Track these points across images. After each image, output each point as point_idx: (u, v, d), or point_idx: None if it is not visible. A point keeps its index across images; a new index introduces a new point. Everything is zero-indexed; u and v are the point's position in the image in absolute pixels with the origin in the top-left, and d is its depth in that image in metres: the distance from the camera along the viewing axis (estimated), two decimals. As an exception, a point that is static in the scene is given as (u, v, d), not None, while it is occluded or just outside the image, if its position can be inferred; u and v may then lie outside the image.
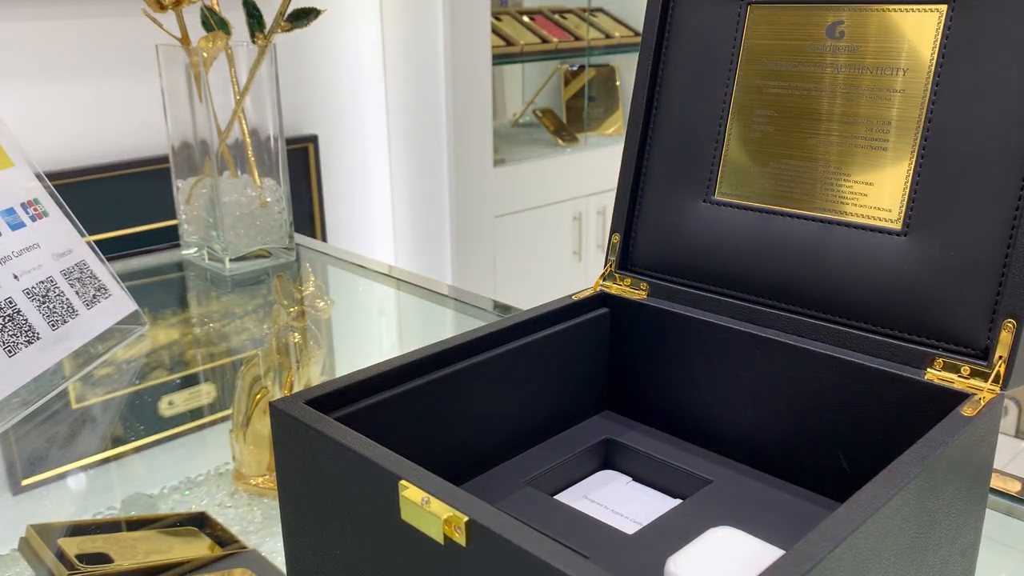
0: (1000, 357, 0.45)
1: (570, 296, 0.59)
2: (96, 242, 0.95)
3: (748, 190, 0.55)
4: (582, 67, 2.54)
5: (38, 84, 1.56)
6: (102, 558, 0.63)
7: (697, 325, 0.55)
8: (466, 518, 0.34)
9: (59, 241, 0.89)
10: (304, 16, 0.81)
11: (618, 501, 0.54)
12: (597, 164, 2.31)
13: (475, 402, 0.52)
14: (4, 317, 0.79)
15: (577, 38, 2.38)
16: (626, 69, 2.57)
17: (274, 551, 0.65)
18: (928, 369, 0.47)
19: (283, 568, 0.52)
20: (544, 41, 2.30)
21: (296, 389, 0.78)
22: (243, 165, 1.11)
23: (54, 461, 0.79)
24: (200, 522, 0.70)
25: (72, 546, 0.65)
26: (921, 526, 0.39)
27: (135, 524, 0.70)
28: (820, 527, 0.33)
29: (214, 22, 0.80)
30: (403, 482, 0.37)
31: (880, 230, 0.50)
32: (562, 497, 0.54)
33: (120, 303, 0.93)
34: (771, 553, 0.43)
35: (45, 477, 0.77)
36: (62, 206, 0.92)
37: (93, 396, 0.89)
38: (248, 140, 1.05)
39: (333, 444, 0.40)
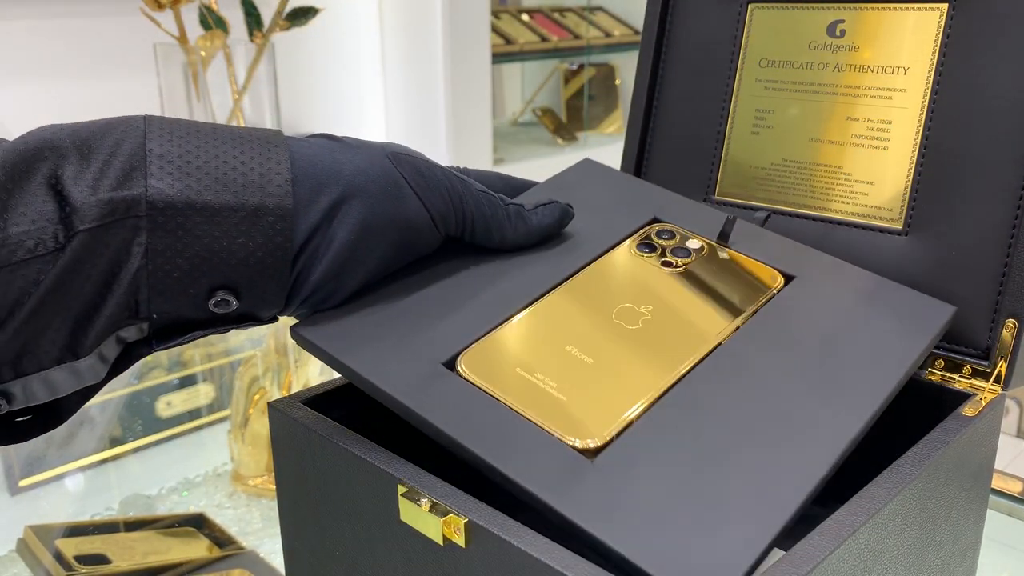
0: (1001, 357, 0.45)
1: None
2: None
3: (748, 189, 0.55)
4: (582, 66, 2.54)
5: (35, 83, 1.55)
6: (100, 559, 0.63)
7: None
8: (465, 519, 0.34)
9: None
10: (303, 15, 0.81)
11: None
12: (596, 163, 2.30)
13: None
14: (2, 317, 0.79)
15: (577, 37, 2.38)
16: (626, 68, 2.57)
17: (273, 552, 0.65)
18: (929, 369, 0.47)
19: (282, 569, 0.52)
20: (544, 40, 2.30)
21: (294, 389, 0.78)
22: (242, 164, 1.10)
23: (52, 462, 0.78)
24: (198, 523, 0.69)
25: (70, 547, 0.64)
26: (922, 527, 0.39)
27: (133, 525, 0.70)
28: (820, 527, 0.33)
29: (212, 21, 0.79)
30: (402, 483, 0.36)
31: (881, 230, 0.50)
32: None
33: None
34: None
35: (43, 478, 0.77)
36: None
37: (91, 396, 0.89)
38: (247, 139, 1.05)
39: (331, 445, 0.40)
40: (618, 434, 0.36)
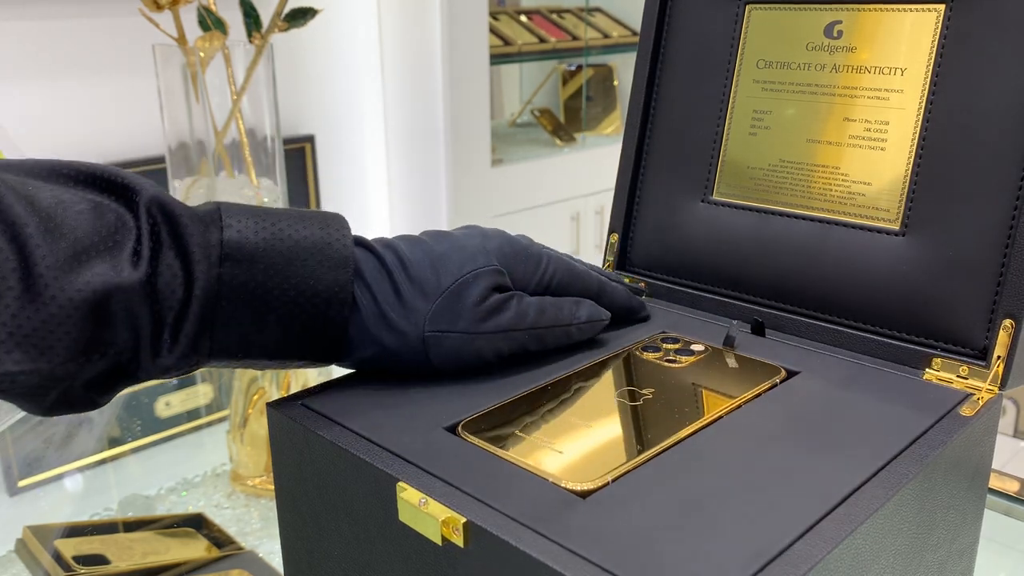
0: (998, 357, 0.45)
1: (568, 296, 0.59)
2: (93, 242, 0.94)
3: (746, 190, 0.55)
4: (580, 67, 2.54)
5: (34, 84, 1.55)
6: (99, 559, 0.63)
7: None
8: (464, 519, 0.34)
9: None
10: (302, 16, 0.81)
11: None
12: (595, 164, 2.31)
13: (473, 403, 0.52)
14: (1, 318, 0.79)
15: (575, 38, 2.38)
16: (624, 69, 2.57)
17: (271, 552, 0.65)
18: (926, 369, 0.47)
19: (280, 569, 0.52)
20: (542, 41, 2.30)
21: (293, 390, 0.78)
22: (240, 165, 1.11)
23: (51, 462, 0.78)
24: (197, 523, 0.69)
25: (69, 547, 0.64)
26: (920, 527, 0.39)
27: (132, 525, 0.70)
28: (818, 527, 0.33)
29: (211, 22, 0.79)
30: (401, 483, 0.36)
31: (878, 230, 0.50)
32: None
33: (117, 303, 0.92)
34: None
35: (42, 478, 0.77)
36: (59, 206, 0.91)
37: (90, 397, 0.88)
38: (245, 140, 1.05)
39: (330, 445, 0.40)
40: (613, 480, 0.36)
